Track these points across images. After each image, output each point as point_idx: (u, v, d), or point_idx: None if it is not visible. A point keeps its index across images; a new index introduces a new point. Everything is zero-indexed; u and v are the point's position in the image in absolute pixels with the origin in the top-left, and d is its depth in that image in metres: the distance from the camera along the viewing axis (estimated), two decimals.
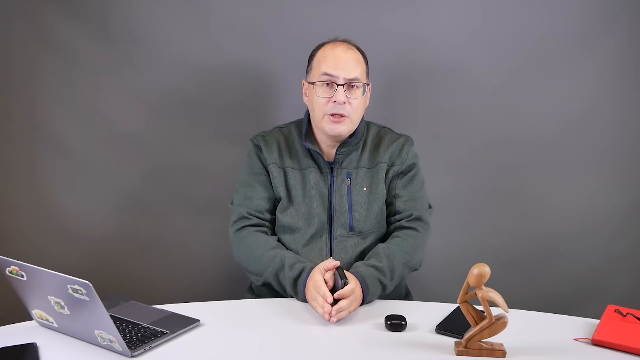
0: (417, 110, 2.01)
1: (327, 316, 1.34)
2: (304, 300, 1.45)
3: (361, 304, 1.44)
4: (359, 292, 1.41)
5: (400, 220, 1.63)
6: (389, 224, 1.66)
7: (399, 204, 1.64)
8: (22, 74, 1.95)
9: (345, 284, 1.37)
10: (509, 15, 1.94)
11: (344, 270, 1.43)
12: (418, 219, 1.63)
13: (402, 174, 1.65)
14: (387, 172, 1.63)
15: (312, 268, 1.46)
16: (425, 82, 1.99)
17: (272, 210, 1.64)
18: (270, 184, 1.64)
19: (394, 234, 1.62)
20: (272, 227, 1.65)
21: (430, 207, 1.69)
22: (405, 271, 1.58)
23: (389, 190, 1.65)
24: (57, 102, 1.97)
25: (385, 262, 1.51)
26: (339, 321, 1.35)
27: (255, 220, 1.61)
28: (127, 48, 1.94)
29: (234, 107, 1.99)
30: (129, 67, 1.95)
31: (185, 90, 1.97)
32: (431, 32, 1.96)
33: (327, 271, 1.43)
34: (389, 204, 1.65)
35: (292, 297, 1.50)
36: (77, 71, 1.95)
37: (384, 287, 1.49)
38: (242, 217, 1.61)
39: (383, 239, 1.67)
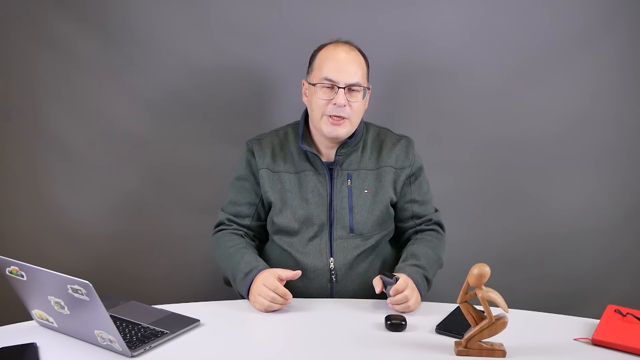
0: (417, 110, 2.01)
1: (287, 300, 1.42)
2: (245, 294, 1.48)
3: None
4: (412, 284, 1.45)
5: (420, 224, 1.68)
6: (404, 227, 1.69)
7: (416, 208, 1.67)
8: (22, 74, 1.94)
9: (396, 280, 1.41)
10: (509, 15, 1.94)
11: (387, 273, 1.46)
12: (437, 223, 1.70)
13: (413, 176, 1.66)
14: (397, 176, 1.64)
15: (265, 269, 1.49)
16: (425, 82, 1.99)
17: (255, 216, 1.67)
18: (258, 189, 1.64)
19: (418, 236, 1.67)
20: (254, 233, 1.68)
21: (436, 210, 1.73)
22: (436, 269, 1.63)
23: (402, 195, 1.66)
24: (57, 102, 1.97)
25: (423, 260, 1.56)
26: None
27: (233, 227, 1.66)
28: (128, 48, 1.94)
29: (234, 107, 1.99)
30: (129, 67, 1.95)
31: (185, 90, 1.97)
32: (431, 32, 1.95)
33: (281, 280, 1.45)
34: (402, 208, 1.67)
35: (239, 292, 1.53)
36: (77, 71, 1.95)
37: (429, 282, 1.55)
38: (222, 223, 1.68)
39: (390, 240, 1.70)
